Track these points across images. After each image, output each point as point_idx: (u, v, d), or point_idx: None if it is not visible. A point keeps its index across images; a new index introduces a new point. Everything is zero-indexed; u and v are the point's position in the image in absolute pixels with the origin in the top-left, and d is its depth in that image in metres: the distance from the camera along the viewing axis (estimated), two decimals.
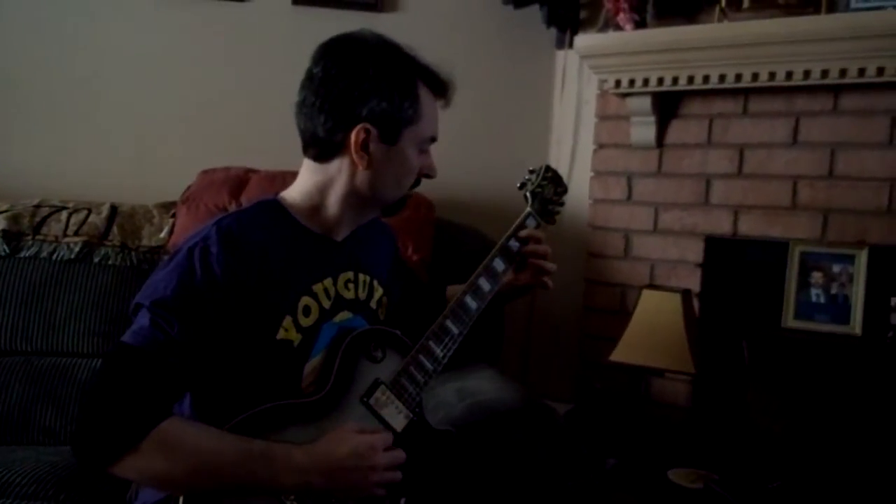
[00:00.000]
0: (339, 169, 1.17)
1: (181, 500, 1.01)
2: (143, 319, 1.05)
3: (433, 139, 1.22)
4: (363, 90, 1.13)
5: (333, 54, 1.16)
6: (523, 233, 1.34)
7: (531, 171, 1.42)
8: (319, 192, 1.19)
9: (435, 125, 1.22)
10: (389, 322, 1.31)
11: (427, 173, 1.23)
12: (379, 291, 1.31)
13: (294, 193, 1.21)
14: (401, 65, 1.16)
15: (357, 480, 1.08)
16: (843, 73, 1.84)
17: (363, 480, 1.09)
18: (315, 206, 1.20)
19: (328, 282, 1.20)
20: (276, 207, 1.20)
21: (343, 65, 1.14)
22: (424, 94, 1.18)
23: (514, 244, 1.34)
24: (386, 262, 1.36)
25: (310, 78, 1.16)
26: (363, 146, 1.14)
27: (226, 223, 1.12)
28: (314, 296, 1.17)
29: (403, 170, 1.20)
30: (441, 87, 1.21)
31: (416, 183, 1.24)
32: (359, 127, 1.13)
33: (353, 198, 1.19)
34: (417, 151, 1.20)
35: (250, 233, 1.13)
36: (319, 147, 1.17)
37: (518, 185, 1.42)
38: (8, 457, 1.53)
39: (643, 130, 2.20)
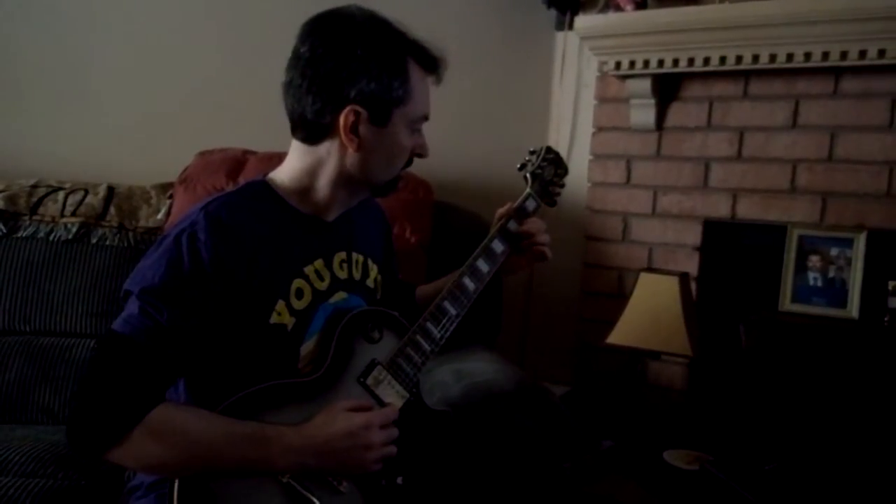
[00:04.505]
0: (328, 151, 1.15)
1: (176, 481, 1.01)
2: (132, 307, 1.04)
3: (425, 118, 1.19)
4: (351, 71, 1.10)
5: (320, 32, 1.13)
6: (526, 225, 1.33)
7: (532, 153, 1.41)
8: (309, 175, 1.17)
9: (426, 103, 1.19)
10: (386, 301, 1.31)
11: (419, 153, 1.21)
12: (374, 270, 1.30)
13: (283, 175, 1.19)
14: (390, 42, 1.13)
15: (353, 459, 1.08)
16: (843, 55, 1.83)
17: (360, 459, 1.08)
18: (305, 188, 1.18)
19: (319, 263, 1.18)
20: (265, 189, 1.17)
21: (330, 44, 1.11)
22: (415, 72, 1.15)
23: (513, 225, 1.33)
24: (378, 241, 1.35)
25: (296, 57, 1.13)
26: (353, 129, 1.11)
27: (214, 208, 1.10)
28: (306, 278, 1.16)
29: (395, 151, 1.17)
30: (432, 64, 1.17)
31: (409, 163, 1.21)
32: (348, 109, 1.10)
33: (344, 180, 1.16)
34: (409, 131, 1.17)
35: (239, 217, 1.11)
36: (308, 129, 1.14)
37: (518, 166, 1.41)
38: (7, 435, 1.55)
39: (643, 113, 2.19)
